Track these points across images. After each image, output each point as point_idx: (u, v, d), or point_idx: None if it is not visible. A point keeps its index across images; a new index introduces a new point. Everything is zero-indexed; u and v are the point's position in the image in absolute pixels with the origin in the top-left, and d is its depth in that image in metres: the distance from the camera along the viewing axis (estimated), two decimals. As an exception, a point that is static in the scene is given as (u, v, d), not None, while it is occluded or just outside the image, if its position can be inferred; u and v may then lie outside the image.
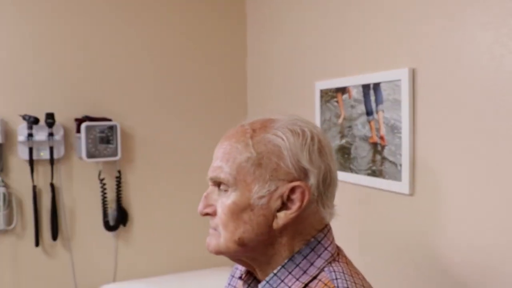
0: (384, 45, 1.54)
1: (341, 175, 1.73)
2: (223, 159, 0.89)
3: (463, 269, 1.28)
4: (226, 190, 0.88)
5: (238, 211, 0.86)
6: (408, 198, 1.46)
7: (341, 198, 1.74)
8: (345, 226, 1.73)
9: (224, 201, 0.88)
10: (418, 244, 1.44)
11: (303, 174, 0.85)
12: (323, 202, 0.88)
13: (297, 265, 0.87)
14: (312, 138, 0.87)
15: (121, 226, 2.29)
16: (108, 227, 2.24)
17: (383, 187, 1.54)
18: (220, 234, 0.88)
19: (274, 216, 0.86)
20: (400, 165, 1.46)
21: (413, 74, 1.42)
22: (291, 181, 0.85)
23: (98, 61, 2.22)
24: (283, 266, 0.87)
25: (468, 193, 1.26)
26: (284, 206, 0.86)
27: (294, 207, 0.85)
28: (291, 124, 0.89)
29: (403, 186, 1.46)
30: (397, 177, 1.48)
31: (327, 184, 0.88)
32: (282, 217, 0.86)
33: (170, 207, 2.37)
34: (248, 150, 0.86)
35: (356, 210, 1.69)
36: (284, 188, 0.85)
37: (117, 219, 2.26)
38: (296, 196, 0.85)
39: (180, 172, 2.38)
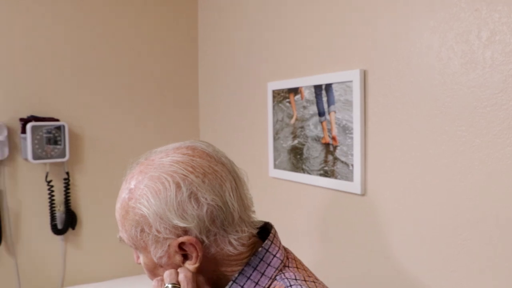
0: (336, 47, 1.55)
1: (294, 176, 1.74)
2: (119, 224, 0.89)
3: (411, 267, 1.31)
4: None
5: (151, 269, 0.87)
6: (360, 198, 1.48)
7: (293, 198, 1.75)
8: (298, 226, 1.74)
9: (140, 259, 0.89)
10: (370, 243, 1.46)
11: (182, 231, 0.81)
12: (224, 238, 0.83)
13: (248, 278, 0.85)
14: (179, 187, 0.80)
15: (70, 230, 2.22)
16: (56, 231, 2.17)
17: (336, 187, 1.56)
18: None
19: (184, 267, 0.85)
20: (352, 165, 1.48)
21: (364, 75, 1.44)
22: (177, 236, 0.81)
23: (44, 58, 2.14)
24: (234, 281, 0.85)
25: (417, 193, 1.29)
26: (186, 256, 0.84)
27: (194, 257, 0.83)
28: (157, 177, 0.82)
29: (355, 186, 1.48)
30: (349, 177, 1.50)
31: (220, 221, 0.82)
32: (190, 267, 0.83)
33: (121, 209, 2.32)
34: (128, 223, 0.85)
35: (309, 210, 1.70)
36: (174, 245, 0.82)
37: (66, 222, 2.19)
38: (188, 248, 0.82)
39: (131, 173, 2.32)
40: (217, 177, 0.83)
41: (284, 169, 1.79)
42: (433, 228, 1.25)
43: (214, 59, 2.33)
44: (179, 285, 0.81)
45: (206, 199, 0.81)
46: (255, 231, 0.89)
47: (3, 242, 2.08)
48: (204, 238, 0.81)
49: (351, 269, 1.53)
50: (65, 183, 2.18)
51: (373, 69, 1.41)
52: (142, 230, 0.83)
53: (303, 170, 1.69)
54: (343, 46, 1.52)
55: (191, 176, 0.81)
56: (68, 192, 2.18)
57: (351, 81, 1.47)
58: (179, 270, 0.83)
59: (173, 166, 0.82)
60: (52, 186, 2.13)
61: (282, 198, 1.81)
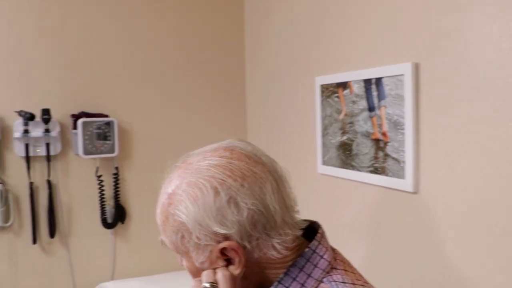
0: (386, 39, 1.50)
1: (343, 172, 1.70)
2: (160, 228, 0.87)
3: (467, 269, 1.25)
4: None
5: (194, 273, 0.86)
6: (412, 196, 1.42)
7: (342, 196, 1.71)
8: (347, 224, 1.69)
9: (183, 262, 0.88)
10: (422, 243, 1.40)
11: (222, 237, 0.78)
12: (267, 243, 0.80)
13: (294, 279, 0.82)
14: (217, 193, 0.77)
15: (119, 224, 2.26)
16: (106, 225, 2.21)
17: (386, 185, 1.51)
18: None
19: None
20: (404, 162, 1.43)
21: (416, 69, 1.38)
22: (218, 242, 0.78)
23: (95, 56, 2.18)
24: (279, 282, 0.82)
25: (473, 191, 1.22)
26: (229, 261, 0.81)
27: (236, 262, 0.80)
28: (194, 182, 0.79)
29: (406, 183, 1.42)
30: (400, 174, 1.45)
31: (262, 226, 0.79)
32: (233, 272, 0.81)
33: (169, 204, 2.34)
34: (169, 228, 0.83)
35: (358, 208, 1.65)
36: (216, 251, 0.79)
37: (115, 216, 2.23)
38: (230, 254, 0.79)
39: (179, 169, 2.34)
40: (257, 180, 0.80)
41: (333, 165, 1.75)
42: (491, 228, 1.18)
43: (261, 54, 2.31)
44: (217, 284, 0.80)
45: (246, 203, 0.77)
46: (299, 233, 0.85)
47: (56, 235, 2.14)
48: (246, 244, 0.78)
49: (402, 270, 1.48)
50: (114, 178, 2.21)
51: (426, 62, 1.35)
52: (183, 237, 0.81)
53: (352, 167, 1.65)
54: (394, 38, 1.46)
55: (229, 181, 0.78)
56: (118, 187, 2.22)
57: (402, 75, 1.41)
58: (217, 270, 0.81)
59: (210, 171, 0.79)
60: (102, 181, 2.17)
61: (331, 195, 1.77)
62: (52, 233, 2.12)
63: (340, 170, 1.71)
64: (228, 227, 0.77)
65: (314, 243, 0.84)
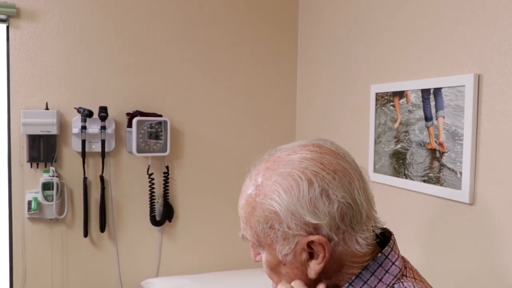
0: (446, 49, 1.50)
1: (395, 181, 1.70)
2: (243, 221, 0.89)
3: (526, 283, 1.24)
4: None
5: (273, 267, 0.87)
6: (468, 207, 1.42)
7: (394, 204, 1.71)
8: (400, 233, 1.69)
9: (262, 257, 0.89)
10: (477, 253, 1.40)
11: (313, 228, 0.80)
12: (352, 237, 0.82)
13: (365, 282, 0.83)
14: (311, 184, 0.80)
15: (167, 222, 2.31)
16: (154, 222, 2.26)
17: (441, 195, 1.51)
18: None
19: (307, 266, 0.84)
20: (460, 173, 1.43)
21: (478, 80, 1.38)
22: (307, 233, 0.81)
23: (152, 57, 2.25)
24: (350, 284, 0.84)
25: (535, 205, 1.22)
26: (312, 255, 0.83)
27: (320, 256, 0.82)
28: (287, 173, 0.82)
29: (463, 194, 1.42)
30: (456, 185, 1.45)
31: (349, 219, 0.81)
32: (313, 267, 0.83)
33: (215, 206, 2.38)
34: (255, 219, 0.85)
35: (411, 218, 1.65)
36: (303, 243, 0.81)
37: (163, 214, 2.28)
38: (316, 247, 0.81)
39: (227, 171, 2.38)
40: (346, 175, 0.82)
41: (385, 173, 1.75)
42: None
43: (314, 60, 2.33)
44: None
45: (337, 196, 0.80)
46: (379, 231, 0.88)
47: (106, 230, 2.20)
48: (334, 236, 0.80)
49: (457, 281, 1.47)
50: (164, 176, 2.27)
51: (489, 73, 1.35)
52: (272, 227, 0.83)
53: (406, 176, 1.65)
54: (455, 49, 1.47)
55: (322, 173, 0.80)
56: (167, 186, 2.27)
57: (463, 86, 1.42)
58: (293, 284, 0.83)
59: (304, 163, 0.82)
60: (153, 179, 2.23)
61: (382, 204, 1.76)
62: (102, 228, 2.19)
63: (392, 178, 1.72)
64: (320, 217, 0.79)
65: (387, 249, 0.86)
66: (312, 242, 0.81)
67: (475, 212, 1.40)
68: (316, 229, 0.80)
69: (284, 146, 0.89)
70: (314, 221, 0.79)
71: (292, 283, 0.83)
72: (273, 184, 0.82)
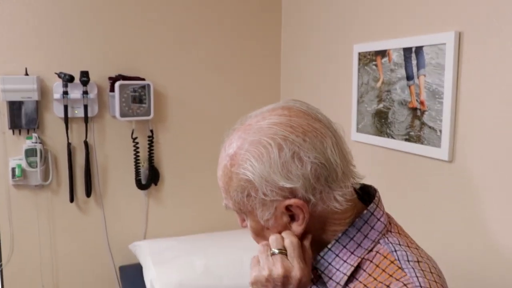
0: (428, 7, 1.49)
1: (377, 140, 1.72)
2: (223, 191, 0.89)
3: (502, 237, 1.28)
4: None
5: (258, 232, 0.88)
6: (447, 164, 1.44)
7: (376, 163, 1.73)
8: (381, 191, 1.72)
9: (247, 223, 0.90)
10: (456, 209, 1.43)
11: (288, 192, 0.81)
12: (329, 195, 0.83)
13: (351, 239, 0.85)
14: (281, 149, 0.80)
15: (153, 185, 2.32)
16: (140, 186, 2.27)
17: (421, 153, 1.53)
18: None
19: (289, 229, 0.85)
20: (440, 131, 1.44)
21: (459, 38, 1.38)
22: (284, 198, 0.81)
23: (132, 20, 2.21)
24: (337, 240, 0.86)
25: (511, 161, 1.24)
26: (293, 217, 0.84)
27: (300, 218, 0.83)
28: (257, 141, 0.82)
29: (442, 152, 1.44)
30: (436, 143, 1.46)
31: (325, 178, 0.82)
32: (295, 229, 0.84)
33: (201, 168, 2.39)
34: (233, 189, 0.85)
35: (393, 176, 1.68)
36: (281, 207, 0.82)
37: (149, 178, 2.29)
38: (295, 210, 0.83)
39: (211, 134, 2.38)
40: (317, 134, 0.83)
41: (368, 133, 1.77)
42: (529, 198, 1.20)
43: (297, 21, 2.31)
44: (286, 250, 0.83)
45: (309, 157, 0.80)
46: (357, 186, 0.89)
47: (92, 194, 2.21)
48: (311, 197, 0.81)
49: (436, 241, 1.51)
50: (149, 140, 2.26)
51: (470, 31, 1.35)
52: (249, 195, 0.84)
53: (387, 135, 1.67)
54: (436, 6, 1.46)
55: (291, 136, 0.81)
56: (152, 149, 2.27)
57: (444, 44, 1.41)
58: (284, 235, 0.85)
59: (272, 129, 0.82)
60: (137, 143, 2.22)
61: (365, 163, 1.80)
62: (88, 193, 2.19)
63: (375, 137, 1.73)
64: (294, 181, 0.80)
65: (372, 205, 0.88)
66: (290, 205, 0.82)
67: (454, 169, 1.42)
68: (292, 193, 0.81)
69: (254, 112, 0.89)
70: (288, 185, 0.80)
71: (283, 233, 0.85)
72: (245, 153, 0.83)
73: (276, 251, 0.83)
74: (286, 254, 0.83)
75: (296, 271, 0.81)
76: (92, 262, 2.27)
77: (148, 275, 1.97)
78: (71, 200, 2.16)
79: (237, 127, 0.88)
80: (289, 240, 0.83)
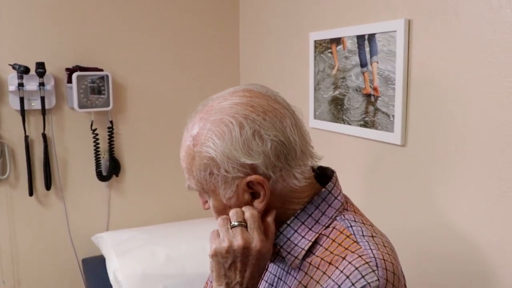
0: (380, -4, 1.53)
1: (334, 126, 1.76)
2: (186, 172, 0.91)
3: (453, 217, 1.33)
4: None
5: (220, 211, 0.90)
6: (400, 148, 1.49)
7: (333, 149, 1.77)
8: (342, 177, 1.76)
9: (209, 203, 0.92)
10: (410, 193, 1.48)
11: (250, 168, 0.84)
12: (289, 173, 0.86)
13: (310, 215, 0.89)
14: (242, 127, 0.83)
15: (114, 176, 2.31)
16: (101, 177, 2.26)
17: (376, 138, 1.57)
18: None
19: (252, 206, 0.88)
20: (393, 116, 1.49)
21: (408, 25, 1.42)
22: (245, 175, 0.84)
23: (90, 10, 2.18)
24: (296, 217, 0.90)
25: (459, 146, 1.29)
26: (254, 195, 0.87)
27: (261, 195, 0.86)
28: (219, 120, 0.85)
29: (395, 137, 1.49)
30: (389, 128, 1.51)
31: (284, 156, 0.85)
32: (257, 206, 0.87)
33: (162, 158, 2.39)
34: (196, 168, 0.88)
35: (349, 161, 1.72)
36: (243, 184, 0.85)
37: (110, 169, 2.28)
38: (256, 187, 0.85)
39: (171, 124, 2.38)
40: (277, 114, 0.86)
41: (325, 119, 1.80)
42: (476, 178, 1.26)
43: (255, 10, 2.32)
44: (246, 223, 0.85)
45: (269, 135, 0.84)
46: (316, 165, 0.93)
47: (52, 187, 2.19)
48: (271, 173, 0.85)
49: (391, 220, 1.56)
50: (109, 131, 2.25)
51: (418, 19, 1.39)
52: (211, 173, 0.86)
53: (344, 121, 1.71)
54: (388, -5, 1.50)
55: (252, 115, 0.84)
56: (112, 140, 2.26)
57: (394, 31, 1.45)
58: (244, 208, 0.87)
59: (234, 108, 0.85)
60: (97, 135, 2.21)
61: (322, 149, 1.82)
62: (48, 186, 2.17)
63: (331, 124, 1.77)
64: (254, 157, 0.83)
65: (330, 184, 0.92)
66: (251, 182, 0.85)
67: (407, 153, 1.47)
68: (253, 169, 0.84)
69: (216, 95, 0.92)
70: (249, 162, 0.83)
71: (243, 208, 0.87)
72: (207, 132, 0.85)
73: (236, 223, 0.85)
74: (246, 227, 0.85)
75: (256, 243, 0.84)
76: (54, 255, 2.25)
77: (111, 267, 1.97)
78: (30, 193, 2.14)
79: (200, 109, 0.92)
80: (249, 212, 0.86)
